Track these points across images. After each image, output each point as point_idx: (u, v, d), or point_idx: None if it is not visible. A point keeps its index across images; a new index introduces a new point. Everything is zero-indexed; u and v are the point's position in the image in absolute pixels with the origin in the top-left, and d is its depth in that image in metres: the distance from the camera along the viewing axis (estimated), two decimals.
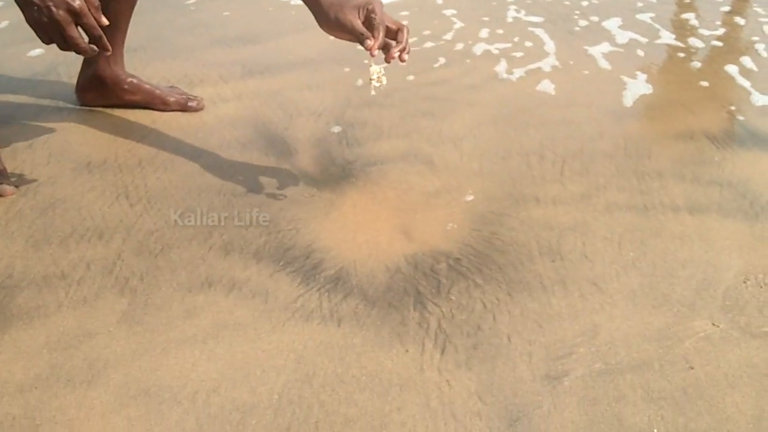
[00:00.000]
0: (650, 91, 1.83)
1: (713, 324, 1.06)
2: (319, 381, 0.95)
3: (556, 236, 1.25)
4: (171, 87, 1.72)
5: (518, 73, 1.91)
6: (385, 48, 1.23)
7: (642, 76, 1.90)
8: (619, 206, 1.34)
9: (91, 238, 1.20)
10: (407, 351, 1.01)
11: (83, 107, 1.65)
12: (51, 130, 1.54)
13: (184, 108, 1.66)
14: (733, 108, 1.74)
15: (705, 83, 1.88)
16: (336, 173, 1.43)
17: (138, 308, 1.06)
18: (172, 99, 1.66)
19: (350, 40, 1.24)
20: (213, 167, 1.42)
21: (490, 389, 0.95)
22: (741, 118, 1.69)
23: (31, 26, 1.09)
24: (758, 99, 1.78)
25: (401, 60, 1.20)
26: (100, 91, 1.64)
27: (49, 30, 1.08)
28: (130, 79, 1.63)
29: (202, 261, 1.16)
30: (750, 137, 1.60)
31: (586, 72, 1.93)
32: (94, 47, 1.13)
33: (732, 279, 1.16)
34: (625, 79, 1.89)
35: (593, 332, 1.04)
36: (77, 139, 1.51)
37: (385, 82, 1.24)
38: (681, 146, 1.56)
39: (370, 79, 1.24)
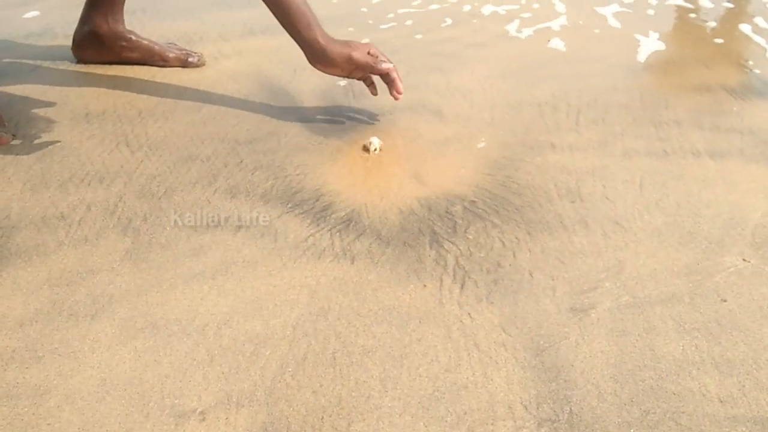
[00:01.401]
0: (663, 48, 1.80)
1: (744, 260, 1.03)
2: (334, 314, 0.92)
3: (575, 180, 1.22)
4: (170, 43, 1.68)
5: (527, 32, 1.88)
6: (388, 80, 1.35)
7: (654, 34, 1.87)
8: (638, 152, 1.31)
9: (91, 182, 1.17)
10: (425, 286, 0.97)
11: (80, 64, 1.61)
12: (47, 85, 1.50)
13: (184, 64, 1.62)
14: (749, 63, 1.71)
15: (719, 40, 1.85)
16: (343, 123, 1.39)
17: (142, 247, 1.03)
18: (171, 54, 1.62)
19: (341, 75, 1.34)
20: (215, 117, 1.39)
21: (513, 321, 0.92)
22: (758, 71, 1.66)
23: None
24: None
25: (399, 94, 1.35)
26: (97, 48, 1.61)
27: None
28: (128, 36, 1.59)
29: (207, 203, 1.13)
30: None
31: (597, 30, 1.90)
32: None
33: (760, 218, 1.12)
34: (638, 36, 1.86)
35: (618, 268, 1.01)
36: (74, 92, 1.48)
37: (379, 150, 1.30)
38: (698, 98, 1.53)
39: (367, 149, 1.29)
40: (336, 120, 1.40)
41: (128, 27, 1.61)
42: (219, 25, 1.85)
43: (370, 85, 1.40)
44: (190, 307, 0.92)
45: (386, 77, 1.35)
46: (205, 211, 1.11)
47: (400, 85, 1.35)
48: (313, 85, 1.53)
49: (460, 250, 1.04)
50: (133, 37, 1.60)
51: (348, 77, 1.37)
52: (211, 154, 1.26)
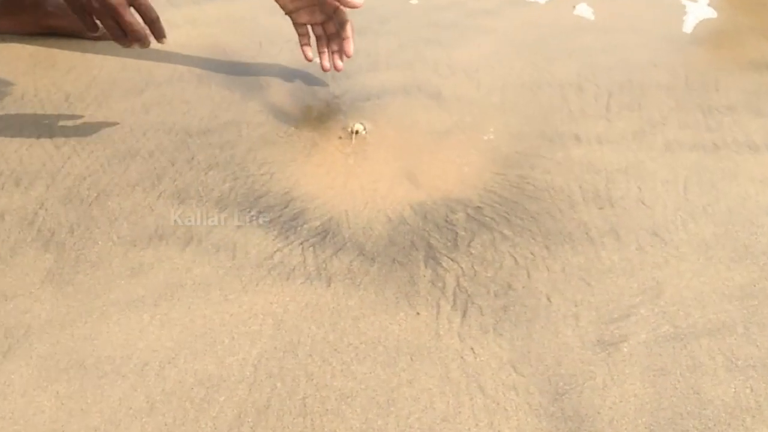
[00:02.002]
0: (715, 15, 1.80)
1: None
2: (305, 350, 0.91)
3: (604, 180, 1.22)
4: None
5: None
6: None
7: None
8: (681, 145, 1.31)
9: (5, 185, 1.16)
10: (418, 314, 0.97)
11: None
12: None
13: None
14: None
15: None
16: (319, 109, 1.39)
17: (67, 266, 1.02)
18: None
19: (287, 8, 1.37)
20: (161, 103, 1.38)
21: (526, 358, 0.91)
22: None
23: (75, 11, 1.12)
24: None
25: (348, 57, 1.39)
26: (18, 16, 1.59)
27: (100, 14, 1.11)
28: (54, 0, 1.58)
29: (149, 210, 1.12)
30: None
31: None
32: (148, 34, 1.16)
33: None
34: (684, 1, 1.86)
35: (656, 290, 1.01)
36: None
37: (365, 134, 1.33)
38: (756, 77, 1.54)
39: (352, 131, 1.32)
40: (311, 106, 1.40)
41: None
42: None
43: (306, 44, 1.41)
44: (126, 341, 0.92)
45: (342, 27, 1.38)
46: (147, 221, 1.10)
47: (352, 45, 1.38)
48: (284, 63, 1.53)
49: (462, 268, 1.04)
50: (61, 1, 1.59)
51: (291, 14, 1.38)
52: (154, 148, 1.26)
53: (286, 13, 1.38)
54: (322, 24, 1.39)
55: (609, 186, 1.20)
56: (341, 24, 1.38)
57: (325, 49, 1.41)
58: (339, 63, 1.40)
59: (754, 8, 1.85)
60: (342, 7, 1.35)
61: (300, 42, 1.40)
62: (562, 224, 1.12)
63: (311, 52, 1.40)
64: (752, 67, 1.57)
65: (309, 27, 1.40)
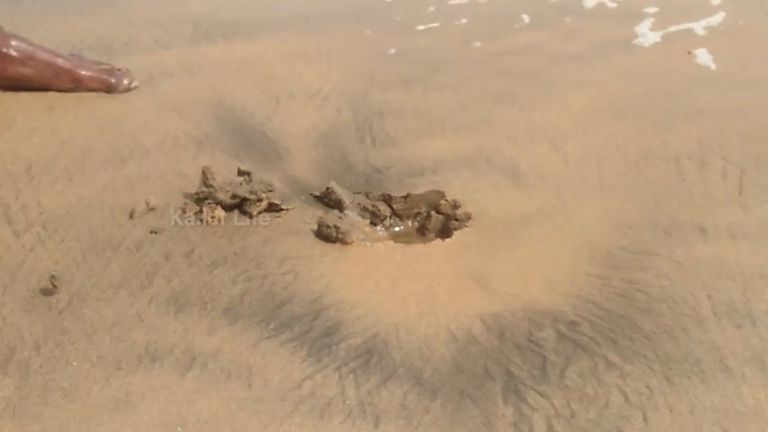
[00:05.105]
0: None
1: None
2: None
3: (741, 287, 1.22)
4: (73, 55, 1.72)
5: (654, 36, 1.92)
6: None
7: None
8: None
9: None
10: None
11: None
12: None
13: (104, 86, 1.65)
14: None
15: None
16: (356, 187, 1.42)
17: (33, 394, 1.03)
18: (84, 73, 1.65)
19: None
20: (150, 176, 1.42)
21: None
22: None
23: None
24: None
25: None
26: None
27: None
28: (15, 42, 1.62)
29: (137, 321, 1.14)
30: None
31: None
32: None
33: None
34: None
35: None
36: None
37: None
38: None
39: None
40: (344, 182, 1.43)
41: (10, 24, 1.65)
42: (156, 24, 1.89)
43: None
44: None
45: None
46: (136, 335, 1.11)
47: None
48: (307, 125, 1.56)
49: (554, 406, 1.04)
50: (24, 45, 1.63)
51: None
52: (142, 237, 1.28)
53: None
54: None
55: (748, 296, 1.20)
56: None
57: None
58: None
59: None
60: None
61: None
62: (687, 348, 1.12)
63: None
64: None
65: None
